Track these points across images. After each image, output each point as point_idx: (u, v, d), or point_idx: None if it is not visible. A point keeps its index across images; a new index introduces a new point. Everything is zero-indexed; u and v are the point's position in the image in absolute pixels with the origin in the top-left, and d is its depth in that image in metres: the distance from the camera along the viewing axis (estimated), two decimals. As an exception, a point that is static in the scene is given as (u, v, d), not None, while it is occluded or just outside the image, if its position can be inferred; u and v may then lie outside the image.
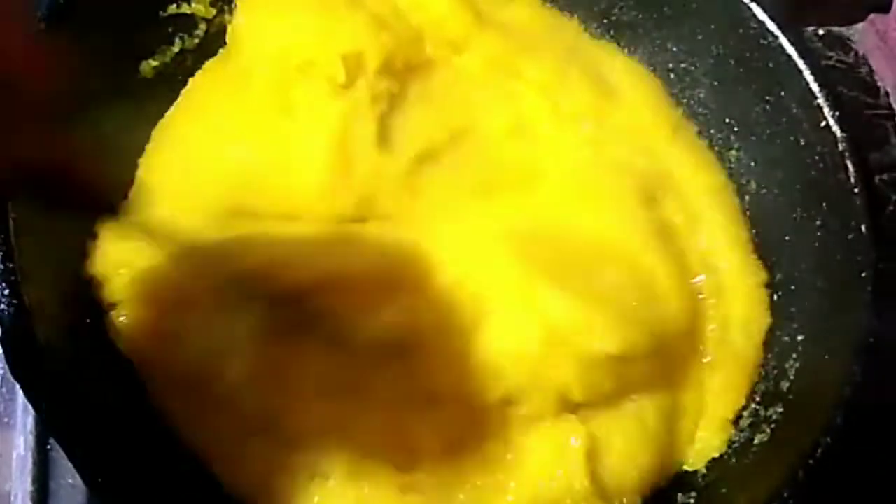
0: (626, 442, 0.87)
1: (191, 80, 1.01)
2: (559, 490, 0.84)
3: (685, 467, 0.93)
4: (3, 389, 0.98)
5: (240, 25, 1.00)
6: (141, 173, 0.95)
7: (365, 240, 0.92)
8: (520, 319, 0.86)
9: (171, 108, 0.98)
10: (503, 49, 1.05)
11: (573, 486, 0.84)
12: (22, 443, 0.95)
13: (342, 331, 0.86)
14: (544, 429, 0.86)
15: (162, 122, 0.98)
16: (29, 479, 0.94)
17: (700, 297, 0.97)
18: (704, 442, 0.94)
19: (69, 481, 0.94)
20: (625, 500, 0.87)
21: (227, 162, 0.94)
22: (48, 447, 0.95)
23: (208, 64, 1.02)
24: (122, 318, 0.87)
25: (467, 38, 1.04)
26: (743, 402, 0.95)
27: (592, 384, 0.86)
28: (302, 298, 0.86)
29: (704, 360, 0.95)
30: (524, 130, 1.02)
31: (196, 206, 0.91)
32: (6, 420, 0.97)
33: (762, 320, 0.98)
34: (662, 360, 0.91)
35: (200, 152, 0.96)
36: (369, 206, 0.94)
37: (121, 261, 0.88)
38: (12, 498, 0.93)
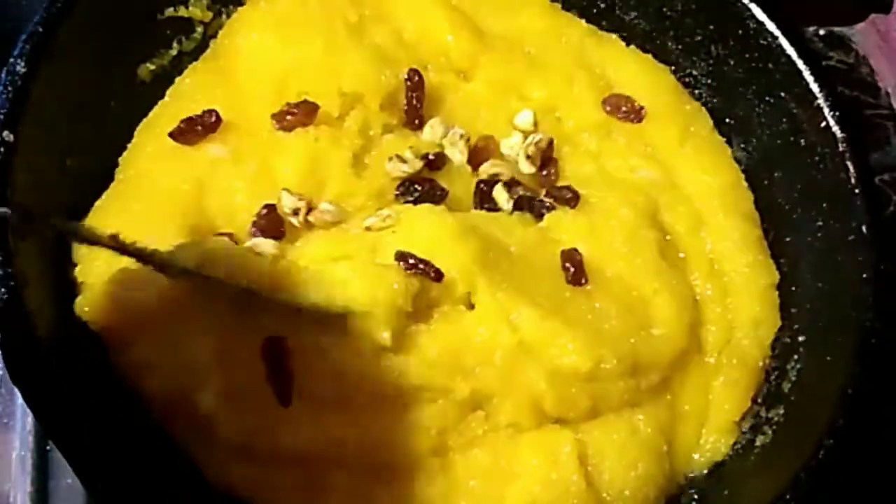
0: (621, 452, 0.87)
1: (177, 80, 1.00)
2: (557, 495, 0.84)
3: (693, 471, 0.93)
4: (3, 390, 0.98)
5: (238, 45, 0.99)
6: (120, 171, 0.95)
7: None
8: (486, 323, 0.85)
9: (156, 108, 0.99)
10: (509, 70, 1.05)
11: (569, 489, 0.84)
12: (21, 443, 0.95)
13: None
14: (532, 438, 0.86)
15: (146, 120, 0.98)
16: (28, 480, 0.94)
17: (703, 304, 0.96)
18: (711, 445, 0.93)
19: (68, 482, 0.94)
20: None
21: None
22: (47, 448, 0.95)
23: (195, 66, 1.02)
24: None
25: (472, 64, 1.05)
26: (749, 403, 0.94)
27: (565, 398, 0.86)
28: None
29: (708, 363, 0.95)
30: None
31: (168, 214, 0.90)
32: (5, 421, 0.97)
33: (772, 321, 0.97)
34: (656, 377, 0.90)
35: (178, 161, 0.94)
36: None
37: (99, 267, 0.86)
38: (11, 498, 0.93)
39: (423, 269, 0.85)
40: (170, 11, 1.01)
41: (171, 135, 0.94)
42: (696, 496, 0.91)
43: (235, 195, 0.93)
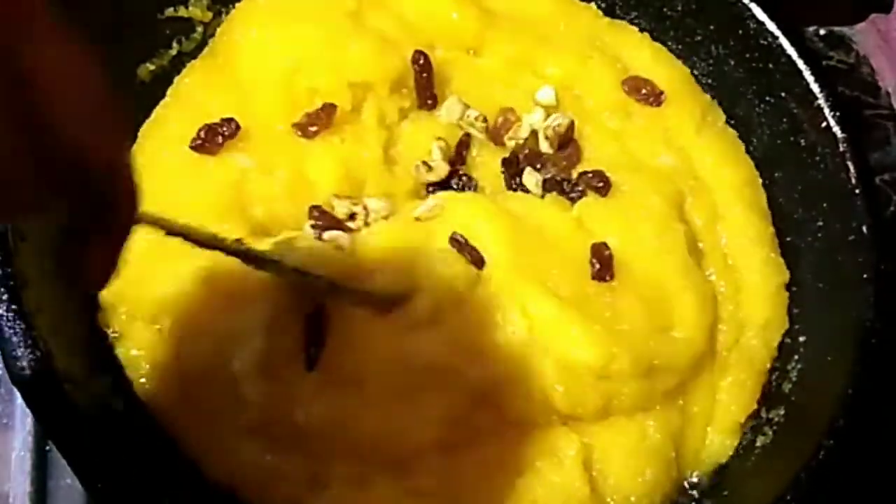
0: (628, 458, 0.86)
1: (177, 79, 1.00)
2: (559, 498, 0.83)
3: (697, 472, 0.92)
4: (3, 390, 0.98)
5: (238, 42, 0.99)
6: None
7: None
8: (503, 309, 0.86)
9: (158, 108, 0.98)
10: (520, 46, 1.04)
11: (573, 493, 0.83)
12: (20, 443, 0.95)
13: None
14: (537, 438, 0.85)
15: (149, 122, 0.98)
16: (27, 480, 0.93)
17: (718, 302, 0.95)
18: (716, 446, 0.92)
19: (67, 482, 0.93)
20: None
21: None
22: (47, 448, 0.95)
23: (194, 64, 1.02)
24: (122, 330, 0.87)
25: (481, 41, 1.04)
26: (754, 405, 0.94)
27: (575, 394, 0.85)
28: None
29: (716, 363, 0.94)
30: None
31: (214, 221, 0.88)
32: (5, 421, 0.97)
33: (780, 322, 0.96)
34: (672, 381, 0.89)
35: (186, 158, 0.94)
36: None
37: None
38: (11, 498, 0.93)
39: (470, 255, 0.87)
40: (170, 11, 1.01)
41: (192, 147, 0.93)
42: (696, 497, 0.91)
43: (277, 203, 0.92)
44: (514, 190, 0.97)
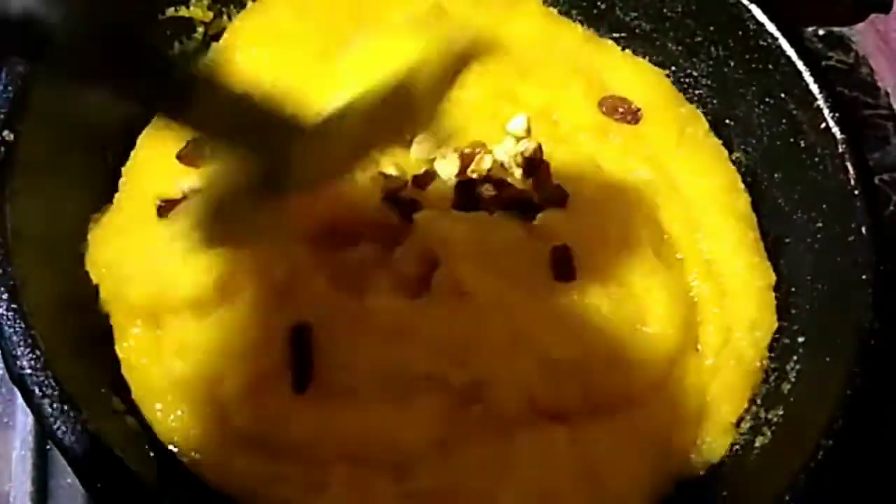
0: (614, 448, 0.87)
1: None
2: (552, 489, 0.84)
3: (689, 472, 0.92)
4: (3, 390, 0.99)
5: (236, 59, 1.00)
6: (123, 183, 0.96)
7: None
8: (480, 310, 0.86)
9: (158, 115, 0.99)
10: (503, 76, 1.05)
11: (564, 484, 0.84)
12: (21, 443, 0.95)
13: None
14: (527, 432, 0.86)
15: (149, 129, 0.98)
16: (28, 480, 0.94)
17: (701, 305, 0.96)
18: (708, 445, 0.93)
19: (68, 481, 0.94)
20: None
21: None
22: (47, 447, 0.95)
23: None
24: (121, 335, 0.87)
25: (466, 72, 1.04)
26: (746, 404, 0.94)
27: (555, 390, 0.86)
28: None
29: (706, 364, 0.95)
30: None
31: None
32: (6, 420, 0.97)
33: (769, 323, 0.97)
34: (650, 374, 0.90)
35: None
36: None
37: (111, 262, 0.88)
38: (12, 498, 0.93)
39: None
40: (170, 11, 1.01)
41: (178, 157, 0.94)
42: (694, 497, 0.91)
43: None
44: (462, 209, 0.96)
